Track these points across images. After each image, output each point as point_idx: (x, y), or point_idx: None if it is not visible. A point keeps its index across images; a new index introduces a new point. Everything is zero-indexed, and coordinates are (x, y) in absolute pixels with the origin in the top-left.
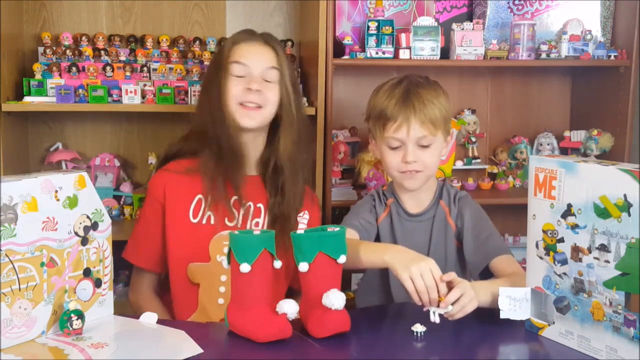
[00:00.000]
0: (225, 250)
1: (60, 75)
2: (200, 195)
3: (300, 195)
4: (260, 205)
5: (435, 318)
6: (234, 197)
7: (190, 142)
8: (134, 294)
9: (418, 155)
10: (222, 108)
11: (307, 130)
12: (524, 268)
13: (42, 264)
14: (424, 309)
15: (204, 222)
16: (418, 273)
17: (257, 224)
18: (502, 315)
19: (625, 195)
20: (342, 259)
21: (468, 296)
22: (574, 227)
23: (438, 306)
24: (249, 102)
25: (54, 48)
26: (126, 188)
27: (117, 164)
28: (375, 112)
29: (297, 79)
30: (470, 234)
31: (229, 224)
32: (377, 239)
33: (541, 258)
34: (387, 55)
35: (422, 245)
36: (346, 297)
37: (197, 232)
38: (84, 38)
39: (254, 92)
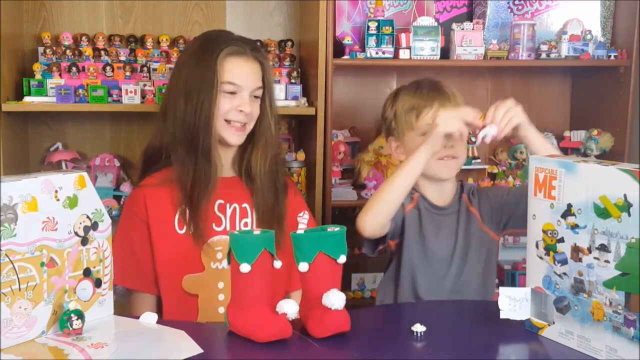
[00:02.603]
0: (219, 256)
1: (60, 75)
2: (183, 205)
3: (275, 199)
4: (245, 205)
5: (487, 137)
6: (219, 201)
7: (164, 148)
8: None
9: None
10: (209, 121)
11: (278, 139)
12: (524, 268)
13: (42, 264)
14: (479, 142)
15: (191, 231)
16: (446, 117)
17: (245, 224)
18: (502, 315)
19: (625, 195)
20: (342, 259)
21: (506, 105)
22: (574, 227)
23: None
24: (236, 122)
25: (54, 48)
26: (126, 188)
27: (117, 164)
28: (405, 106)
29: (274, 84)
30: (491, 195)
31: (217, 229)
32: (403, 226)
33: (541, 258)
34: (387, 55)
35: (449, 238)
36: (346, 297)
37: (186, 243)
38: (84, 38)
39: (244, 113)
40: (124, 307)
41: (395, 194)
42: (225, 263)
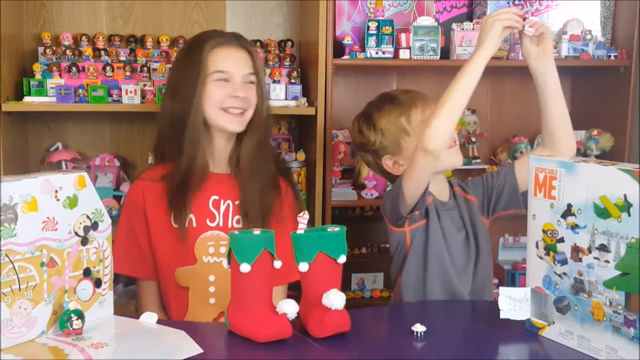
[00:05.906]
0: (210, 250)
1: (60, 75)
2: (173, 200)
3: (262, 191)
4: (238, 202)
5: (529, 31)
6: (213, 197)
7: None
8: (141, 310)
9: None
10: (200, 113)
11: (270, 127)
12: (524, 268)
13: (42, 264)
14: (525, 29)
15: (185, 225)
16: (502, 12)
17: (238, 222)
18: (502, 315)
19: (625, 195)
20: (342, 259)
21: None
22: (574, 227)
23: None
24: (233, 108)
25: (54, 48)
26: (126, 188)
27: (117, 164)
28: (392, 117)
29: (264, 72)
30: (477, 183)
31: (211, 224)
32: (427, 214)
33: (541, 258)
34: (387, 55)
35: (462, 231)
36: (346, 297)
37: (180, 237)
38: (84, 38)
39: (239, 98)
40: (124, 307)
41: (463, 93)
42: (225, 263)
